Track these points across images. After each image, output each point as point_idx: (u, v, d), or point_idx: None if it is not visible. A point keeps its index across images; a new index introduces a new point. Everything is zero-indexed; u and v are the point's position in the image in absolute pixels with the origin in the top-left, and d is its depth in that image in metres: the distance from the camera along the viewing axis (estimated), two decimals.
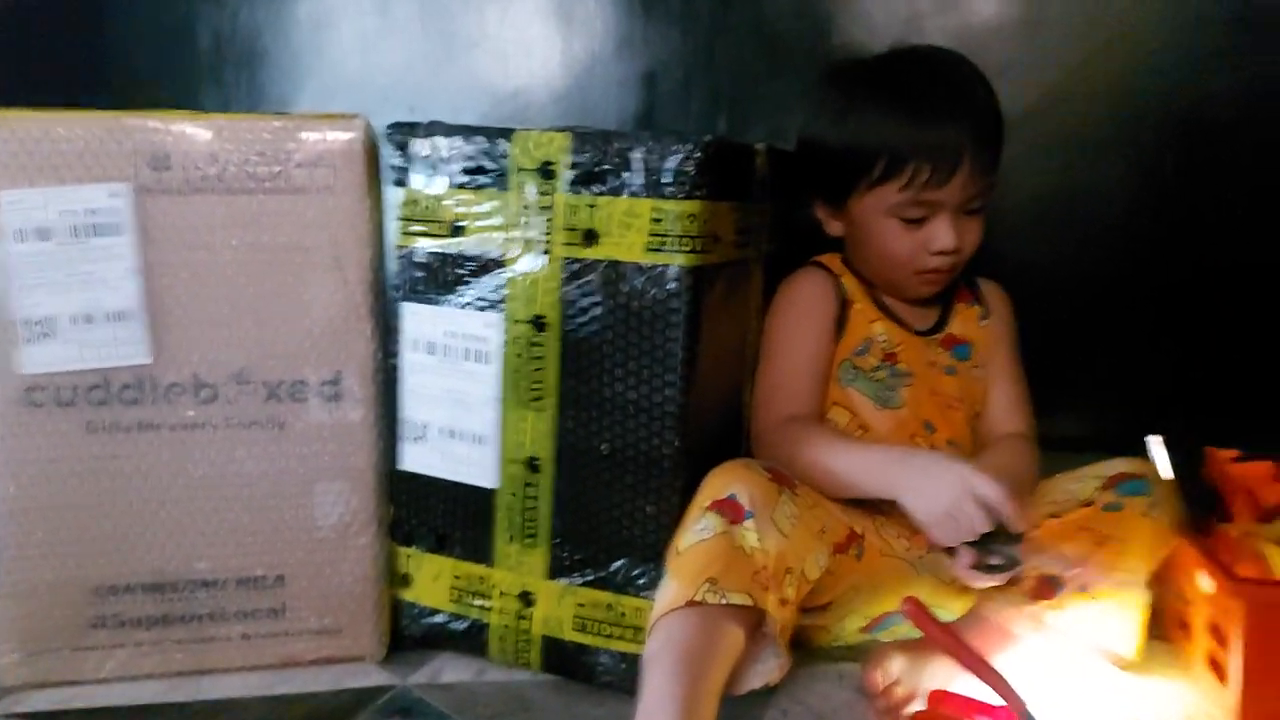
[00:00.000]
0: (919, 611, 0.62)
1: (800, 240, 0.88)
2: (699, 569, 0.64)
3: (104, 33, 1.25)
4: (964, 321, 0.87)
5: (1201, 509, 0.81)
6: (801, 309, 0.83)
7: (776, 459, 0.76)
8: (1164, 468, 0.85)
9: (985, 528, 0.66)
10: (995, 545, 0.67)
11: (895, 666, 0.69)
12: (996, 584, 0.69)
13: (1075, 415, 1.01)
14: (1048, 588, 0.71)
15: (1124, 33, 1.00)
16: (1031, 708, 0.60)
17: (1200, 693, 0.73)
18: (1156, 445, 0.85)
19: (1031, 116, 1.01)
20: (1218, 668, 0.71)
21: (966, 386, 0.85)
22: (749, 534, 0.65)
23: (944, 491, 0.67)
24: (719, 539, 0.65)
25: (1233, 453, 0.88)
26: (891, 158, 0.77)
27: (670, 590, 0.65)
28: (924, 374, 0.83)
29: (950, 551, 0.69)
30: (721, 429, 0.79)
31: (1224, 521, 0.82)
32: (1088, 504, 0.73)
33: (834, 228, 0.85)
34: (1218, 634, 0.71)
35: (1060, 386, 0.95)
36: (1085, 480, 0.76)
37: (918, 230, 0.79)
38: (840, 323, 0.83)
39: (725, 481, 0.68)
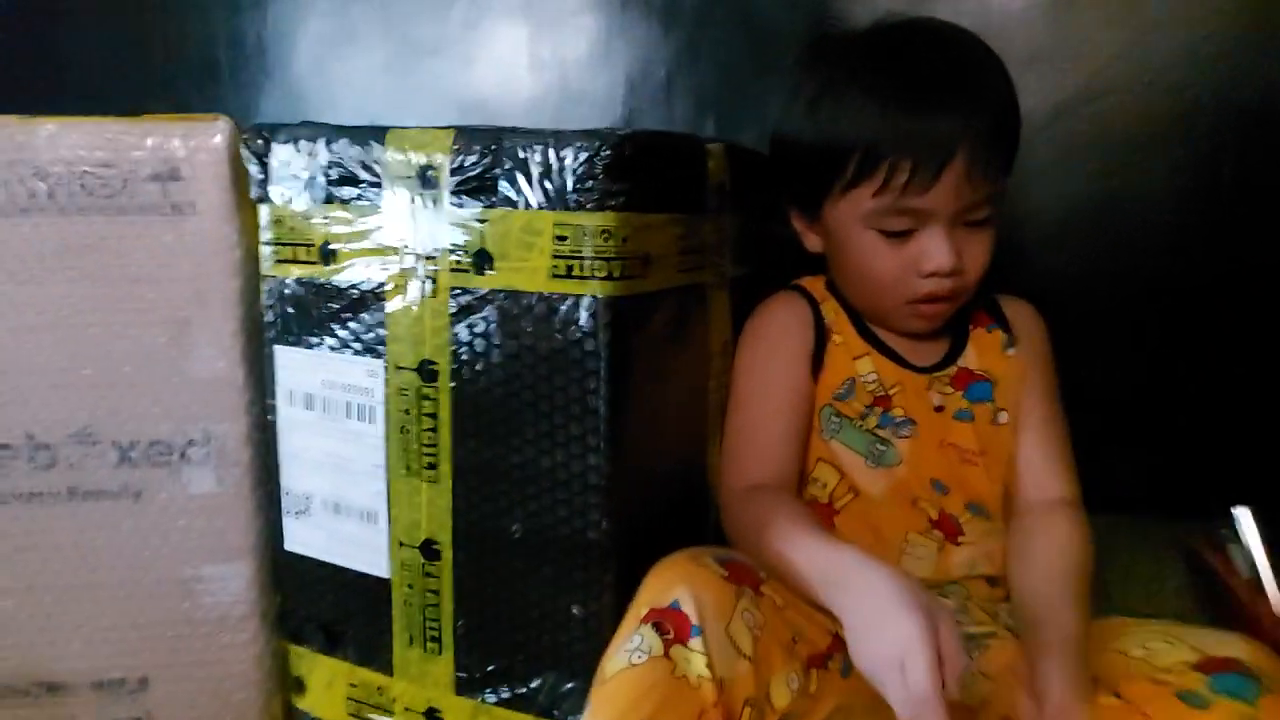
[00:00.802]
0: None
1: (789, 259, 0.72)
2: (625, 708, 0.48)
3: (58, 42, 1.17)
4: (982, 352, 0.68)
5: None
6: (769, 345, 0.66)
7: (741, 540, 0.59)
8: (1254, 543, 0.66)
9: (906, 714, 0.48)
10: None
11: None
12: None
13: (1125, 467, 0.83)
14: None
15: (1173, 13, 0.85)
16: None
17: None
18: (1245, 517, 0.66)
19: (1065, 112, 0.85)
20: None
21: (988, 436, 0.66)
22: (695, 657, 0.49)
23: (884, 646, 0.49)
24: (654, 664, 0.49)
25: None
26: (865, 153, 0.60)
27: None
28: (929, 422, 0.65)
29: None
30: (674, 501, 0.63)
31: None
32: (1163, 682, 0.54)
33: (811, 242, 0.68)
34: None
35: (1102, 432, 0.77)
36: (1174, 644, 0.56)
37: (904, 246, 0.62)
38: (818, 359, 0.66)
39: (667, 583, 0.52)
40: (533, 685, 0.57)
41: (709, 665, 0.49)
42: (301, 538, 0.63)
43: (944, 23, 0.65)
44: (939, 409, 0.66)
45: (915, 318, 0.64)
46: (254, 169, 0.58)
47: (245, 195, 0.62)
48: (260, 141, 0.58)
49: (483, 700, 0.59)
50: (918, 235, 0.61)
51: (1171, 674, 0.54)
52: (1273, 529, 0.69)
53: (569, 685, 0.56)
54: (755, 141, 0.74)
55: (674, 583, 0.51)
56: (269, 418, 0.63)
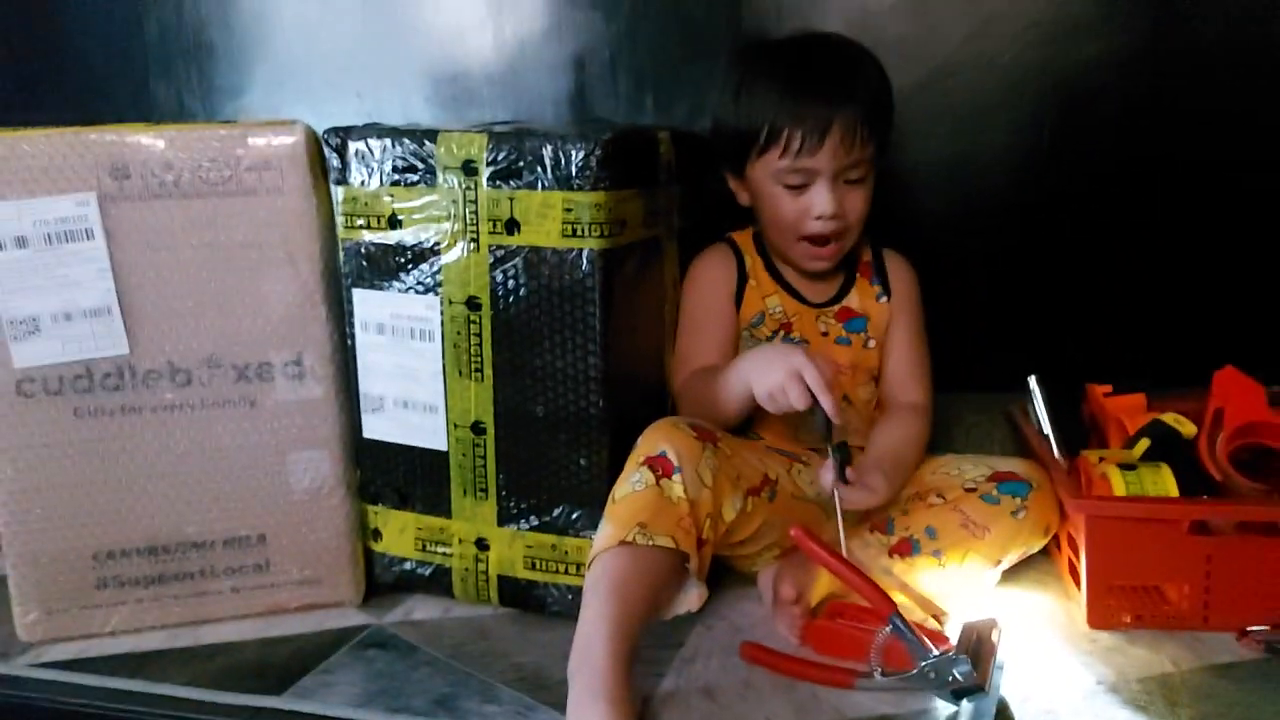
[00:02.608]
0: (804, 536, 0.72)
1: (724, 214, 0.96)
2: (631, 515, 0.73)
3: (59, 30, 1.29)
4: (862, 297, 0.96)
5: (1073, 442, 0.92)
6: (703, 285, 0.93)
7: (691, 411, 0.86)
8: (1040, 404, 0.95)
9: (802, 405, 0.76)
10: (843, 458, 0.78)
11: (798, 579, 0.79)
12: (841, 488, 0.78)
13: (976, 359, 1.11)
14: (906, 547, 0.82)
15: (1004, 7, 1.07)
16: (904, 611, 0.71)
17: (1061, 596, 0.85)
18: (1034, 383, 0.95)
19: (925, 86, 1.08)
20: (1075, 574, 0.83)
21: (858, 357, 0.95)
22: (676, 486, 0.74)
23: (775, 372, 0.77)
24: (650, 490, 0.74)
25: (1107, 387, 0.98)
26: (771, 127, 0.85)
27: (606, 532, 0.75)
28: (818, 342, 0.94)
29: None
30: (646, 388, 0.89)
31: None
32: (971, 489, 0.84)
33: (743, 198, 0.94)
34: (1073, 545, 0.83)
35: (962, 328, 1.05)
36: (979, 466, 0.87)
37: (800, 196, 0.88)
38: (739, 297, 0.92)
39: (656, 440, 0.77)
40: (554, 515, 0.82)
41: (684, 491, 0.74)
42: (377, 427, 0.87)
43: (834, 34, 0.90)
44: (825, 334, 0.94)
45: (809, 257, 0.91)
46: (334, 161, 0.80)
47: (319, 178, 0.83)
48: (338, 139, 0.80)
49: (518, 528, 0.84)
50: (810, 189, 0.87)
51: (975, 483, 0.85)
52: (1060, 392, 0.98)
53: (578, 513, 0.82)
54: (687, 115, 0.97)
55: (660, 439, 0.77)
56: (349, 343, 0.85)
